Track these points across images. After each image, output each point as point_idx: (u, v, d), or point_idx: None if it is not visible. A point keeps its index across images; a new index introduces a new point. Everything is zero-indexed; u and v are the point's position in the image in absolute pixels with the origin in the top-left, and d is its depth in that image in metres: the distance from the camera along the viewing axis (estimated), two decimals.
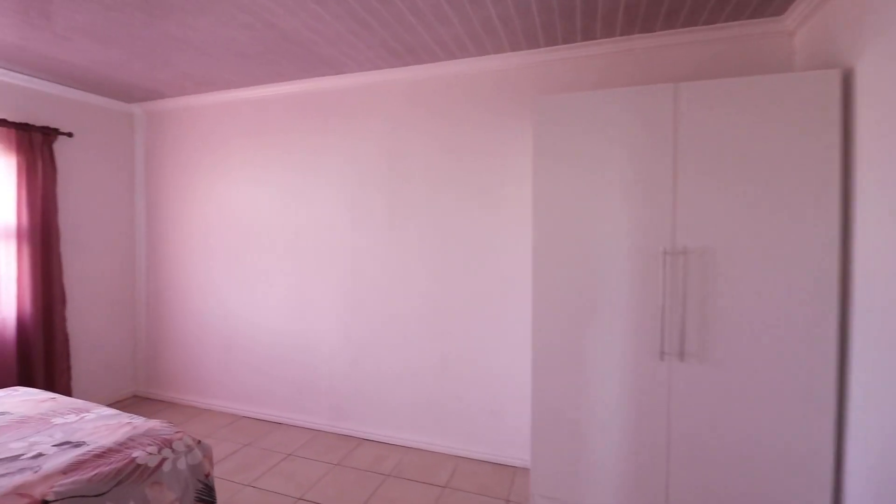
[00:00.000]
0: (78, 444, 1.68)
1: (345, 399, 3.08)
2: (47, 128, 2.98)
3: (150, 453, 1.67)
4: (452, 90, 2.75)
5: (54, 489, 1.40)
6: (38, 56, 2.61)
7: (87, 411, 1.99)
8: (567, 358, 2.02)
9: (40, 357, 2.97)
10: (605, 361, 1.97)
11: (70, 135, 3.15)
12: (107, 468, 1.53)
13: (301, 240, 3.16)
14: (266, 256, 3.28)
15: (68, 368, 3.17)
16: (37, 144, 2.92)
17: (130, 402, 3.62)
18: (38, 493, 1.37)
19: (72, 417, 1.92)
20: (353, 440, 3.00)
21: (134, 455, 1.63)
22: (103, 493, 1.48)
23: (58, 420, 1.89)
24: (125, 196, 3.63)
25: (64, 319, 3.14)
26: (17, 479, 1.41)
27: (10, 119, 2.82)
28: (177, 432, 1.82)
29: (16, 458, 1.57)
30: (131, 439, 1.72)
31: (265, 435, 3.08)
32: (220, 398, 3.47)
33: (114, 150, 3.52)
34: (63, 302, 3.12)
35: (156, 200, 3.65)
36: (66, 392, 3.15)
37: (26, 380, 2.92)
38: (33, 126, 2.90)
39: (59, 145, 3.11)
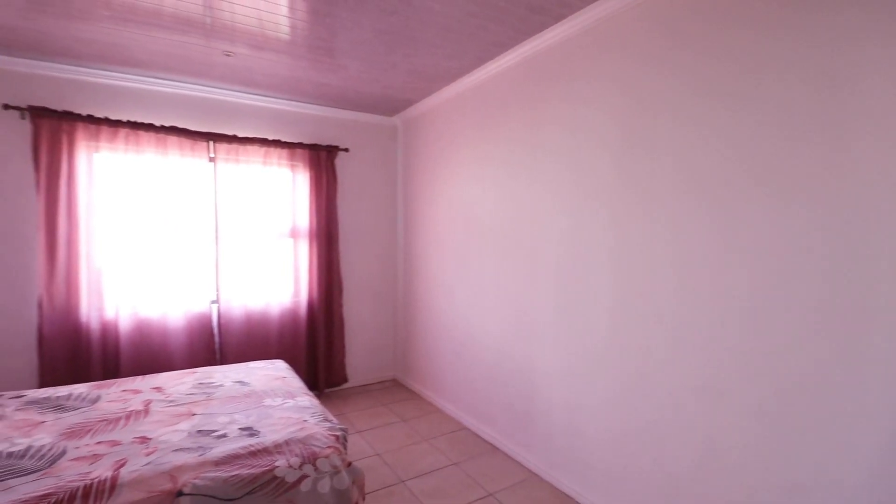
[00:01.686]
0: (253, 434, 1.73)
1: (561, 445, 2.39)
2: (330, 146, 3.60)
3: (292, 466, 1.54)
4: None
5: (194, 481, 1.41)
6: (312, 84, 3.12)
7: (293, 398, 2.12)
8: None
9: (322, 334, 3.62)
10: None
11: (346, 150, 3.72)
12: (246, 472, 1.48)
13: (518, 243, 2.66)
14: (486, 260, 2.94)
15: (343, 347, 3.76)
16: (322, 160, 3.55)
17: (390, 385, 4.02)
18: (182, 480, 1.41)
19: (278, 401, 2.07)
20: (570, 502, 2.27)
21: (277, 464, 1.53)
22: (233, 500, 1.42)
23: (267, 401, 2.06)
24: (389, 200, 4.07)
25: (341, 305, 3.73)
26: (181, 459, 1.50)
27: (305, 142, 3.52)
28: (328, 447, 1.66)
29: (208, 433, 1.73)
30: (288, 443, 1.66)
31: (477, 456, 2.74)
32: (450, 401, 3.38)
33: (381, 161, 3.99)
34: (340, 291, 3.72)
35: (409, 201, 3.92)
36: (341, 368, 3.74)
37: (312, 351, 3.60)
38: (320, 146, 3.54)
39: (339, 159, 3.71)
